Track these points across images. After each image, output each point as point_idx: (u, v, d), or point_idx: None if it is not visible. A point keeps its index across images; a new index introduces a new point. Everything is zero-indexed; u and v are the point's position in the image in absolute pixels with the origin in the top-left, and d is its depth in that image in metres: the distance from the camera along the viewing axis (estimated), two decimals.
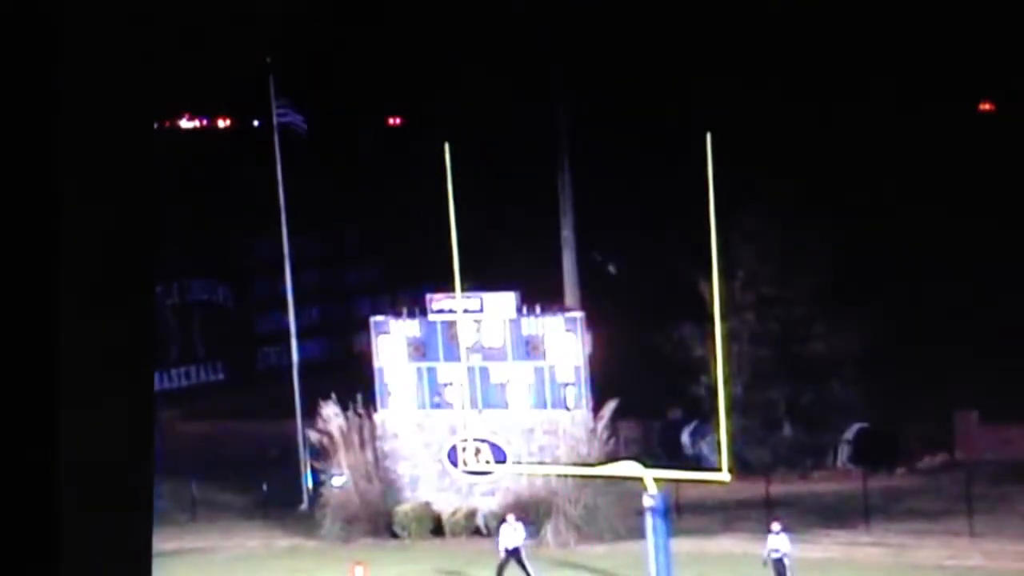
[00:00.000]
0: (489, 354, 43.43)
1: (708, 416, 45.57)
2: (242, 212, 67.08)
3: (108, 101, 3.82)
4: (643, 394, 47.94)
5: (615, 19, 67.67)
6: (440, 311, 43.92)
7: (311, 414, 46.42)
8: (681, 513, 42.20)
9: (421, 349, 44.47)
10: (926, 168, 69.66)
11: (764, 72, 69.24)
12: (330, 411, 45.21)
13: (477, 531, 43.67)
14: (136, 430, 3.94)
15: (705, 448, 48.93)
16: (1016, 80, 72.14)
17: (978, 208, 66.42)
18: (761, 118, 63.41)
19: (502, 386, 43.56)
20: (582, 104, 56.62)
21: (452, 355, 43.43)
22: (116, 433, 3.89)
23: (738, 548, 40.80)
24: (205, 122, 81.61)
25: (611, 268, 72.63)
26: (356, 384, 45.32)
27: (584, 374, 42.93)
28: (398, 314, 45.59)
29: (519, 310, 43.40)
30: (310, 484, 48.57)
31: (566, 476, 42.36)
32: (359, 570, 38.88)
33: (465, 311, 42.57)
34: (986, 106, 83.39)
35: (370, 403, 44.95)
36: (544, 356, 43.12)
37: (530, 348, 43.24)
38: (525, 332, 43.27)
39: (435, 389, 44.50)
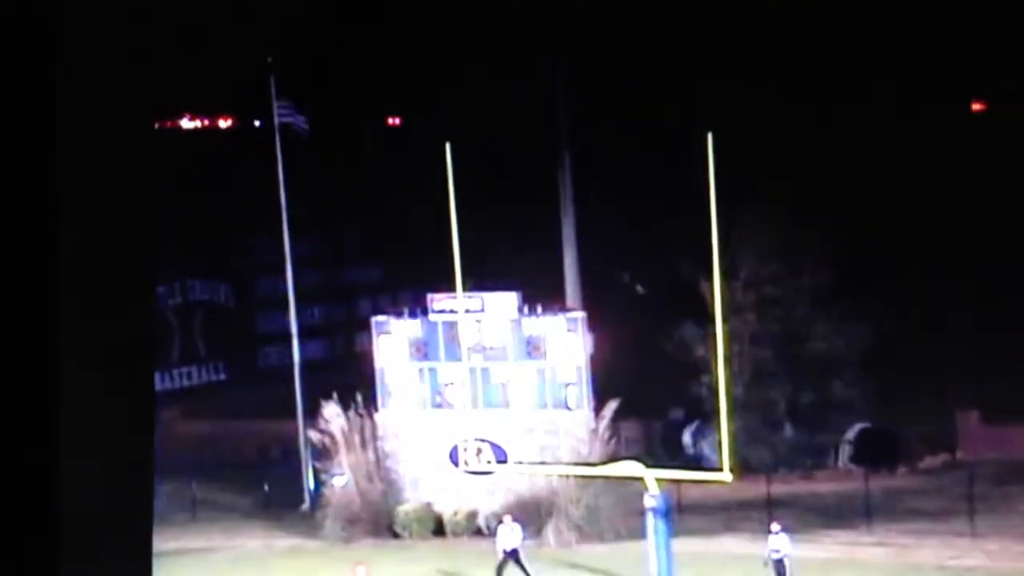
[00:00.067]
0: (490, 354, 43.40)
1: (709, 416, 45.54)
2: (243, 212, 67.10)
3: (108, 101, 3.82)
4: (644, 394, 47.90)
5: (615, 19, 67.73)
6: (441, 311, 43.90)
7: (312, 414, 46.37)
8: (682, 513, 42.13)
9: (422, 349, 44.44)
10: (926, 168, 69.71)
11: (764, 72, 69.29)
12: (331, 411, 45.16)
13: (478, 531, 43.63)
14: (136, 430, 3.94)
15: (706, 448, 48.90)
16: (1016, 80, 72.15)
17: (979, 208, 66.47)
18: (761, 118, 63.41)
19: (503, 386, 43.55)
20: (582, 104, 56.58)
21: (453, 355, 43.42)
22: (116, 433, 3.88)
23: (740, 548, 40.75)
24: (206, 122, 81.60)
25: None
26: (357, 384, 45.28)
27: (585, 374, 42.90)
28: (399, 314, 45.56)
29: (520, 310, 43.39)
30: (311, 484, 48.55)
31: (567, 476, 42.33)
32: (360, 570, 38.82)
33: (466, 311, 42.57)
34: (986, 106, 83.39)
35: (371, 403, 44.91)
36: (545, 356, 43.10)
37: (531, 348, 43.20)
38: (526, 332, 43.24)
39: (436, 389, 44.49)
